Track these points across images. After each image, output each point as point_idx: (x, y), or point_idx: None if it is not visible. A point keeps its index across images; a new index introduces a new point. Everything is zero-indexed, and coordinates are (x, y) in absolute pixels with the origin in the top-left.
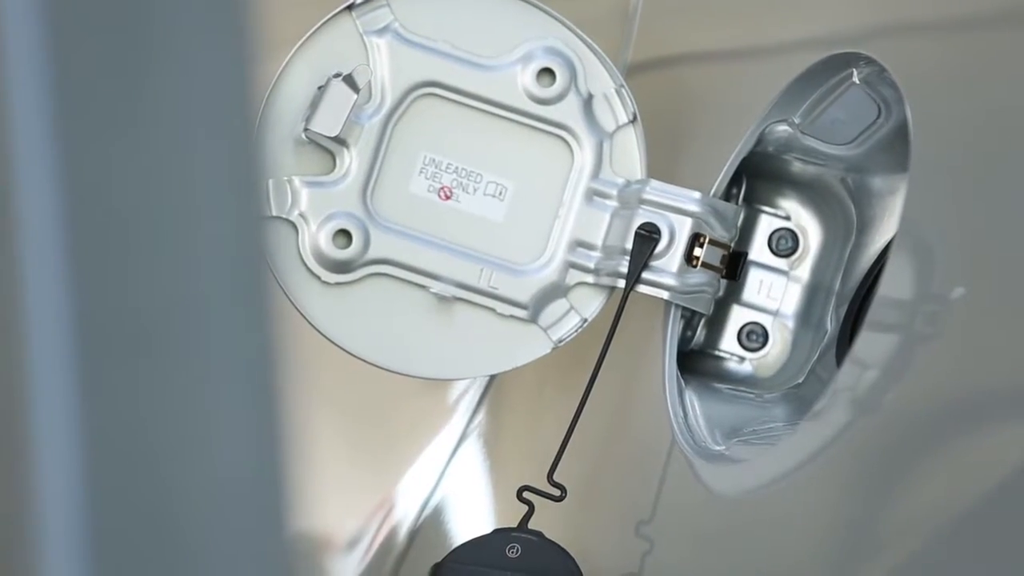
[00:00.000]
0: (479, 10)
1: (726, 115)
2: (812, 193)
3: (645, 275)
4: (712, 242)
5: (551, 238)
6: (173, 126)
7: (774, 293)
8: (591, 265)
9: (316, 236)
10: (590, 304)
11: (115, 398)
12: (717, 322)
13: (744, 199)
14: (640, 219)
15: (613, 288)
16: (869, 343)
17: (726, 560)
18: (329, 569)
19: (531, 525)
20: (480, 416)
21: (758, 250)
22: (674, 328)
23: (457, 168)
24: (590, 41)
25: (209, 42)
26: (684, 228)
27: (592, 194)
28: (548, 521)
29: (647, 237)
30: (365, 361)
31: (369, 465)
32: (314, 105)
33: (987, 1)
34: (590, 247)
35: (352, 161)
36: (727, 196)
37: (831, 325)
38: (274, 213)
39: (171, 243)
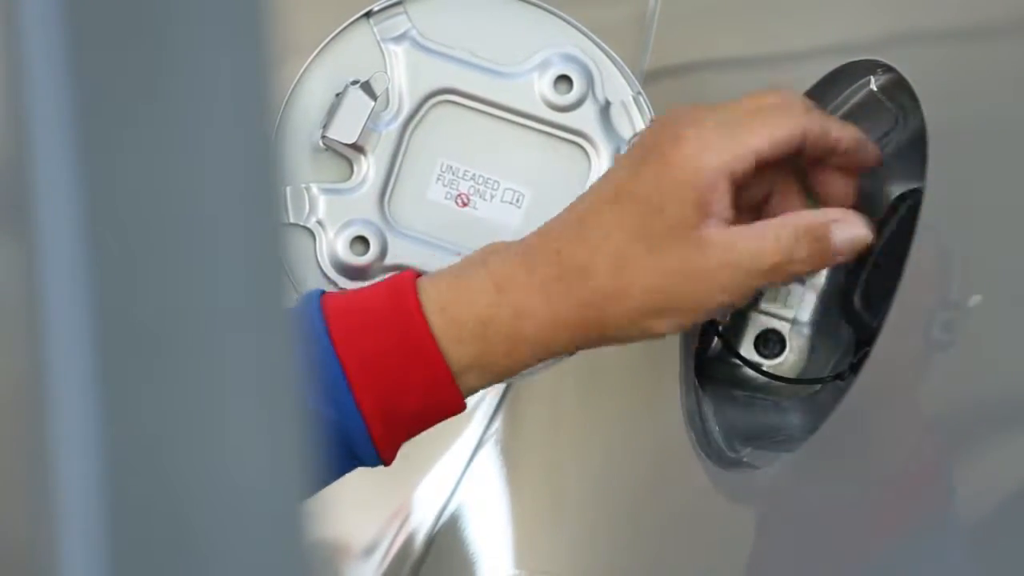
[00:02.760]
0: (496, 17)
1: None
2: None
3: None
4: None
5: None
6: (192, 131)
7: (791, 300)
8: None
9: (334, 243)
10: None
11: (133, 405)
12: (734, 329)
13: None
14: None
15: None
16: (887, 350)
17: (742, 567)
18: None
19: (545, 536)
20: (497, 423)
21: None
22: (691, 335)
23: (474, 175)
24: (607, 48)
25: (227, 48)
26: None
27: None
28: (560, 526)
29: None
30: None
31: (386, 472)
32: (332, 112)
33: (1004, 10)
34: None
35: (370, 168)
36: None
37: (847, 332)
38: (292, 220)
39: (189, 248)
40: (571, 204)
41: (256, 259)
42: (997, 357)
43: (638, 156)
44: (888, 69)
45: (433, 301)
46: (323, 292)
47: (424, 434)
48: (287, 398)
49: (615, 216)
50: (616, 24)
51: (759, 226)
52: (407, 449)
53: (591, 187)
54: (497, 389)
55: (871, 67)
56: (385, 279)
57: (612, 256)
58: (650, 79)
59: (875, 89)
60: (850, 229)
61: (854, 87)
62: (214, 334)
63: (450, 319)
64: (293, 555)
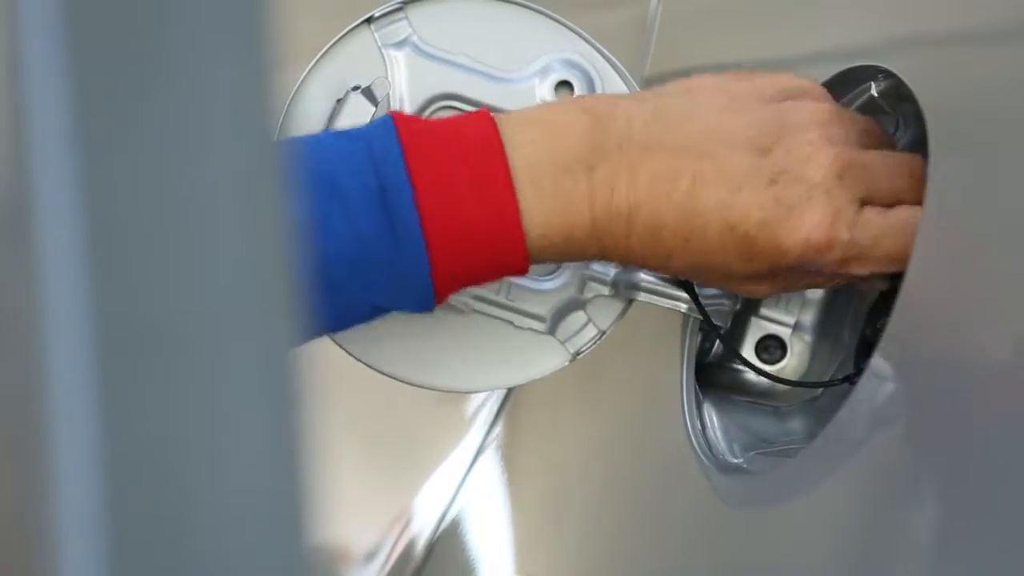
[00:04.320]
0: (497, 23)
1: None
2: None
3: (663, 288)
4: None
5: None
6: (192, 135)
7: (792, 306)
8: (608, 278)
9: None
10: (607, 317)
11: (133, 411)
12: (735, 334)
13: None
14: None
15: (631, 301)
16: (887, 356)
17: (743, 573)
18: None
19: (546, 542)
20: (497, 429)
21: None
22: (692, 341)
23: None
24: (608, 54)
25: (228, 52)
26: None
27: None
28: (560, 532)
29: None
30: (383, 373)
31: (387, 478)
32: (332, 118)
33: (1005, 15)
34: None
35: None
36: None
37: (849, 337)
38: None
39: (189, 255)
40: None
41: (258, 263)
42: (999, 362)
43: (773, 168)
44: (889, 75)
45: (534, 217)
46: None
47: (425, 440)
48: (290, 402)
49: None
50: (617, 29)
51: None
52: (408, 455)
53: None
54: (498, 395)
55: (872, 73)
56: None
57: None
58: (651, 84)
59: (876, 95)
60: None
61: (855, 93)
62: (216, 338)
63: (547, 243)
64: (294, 560)
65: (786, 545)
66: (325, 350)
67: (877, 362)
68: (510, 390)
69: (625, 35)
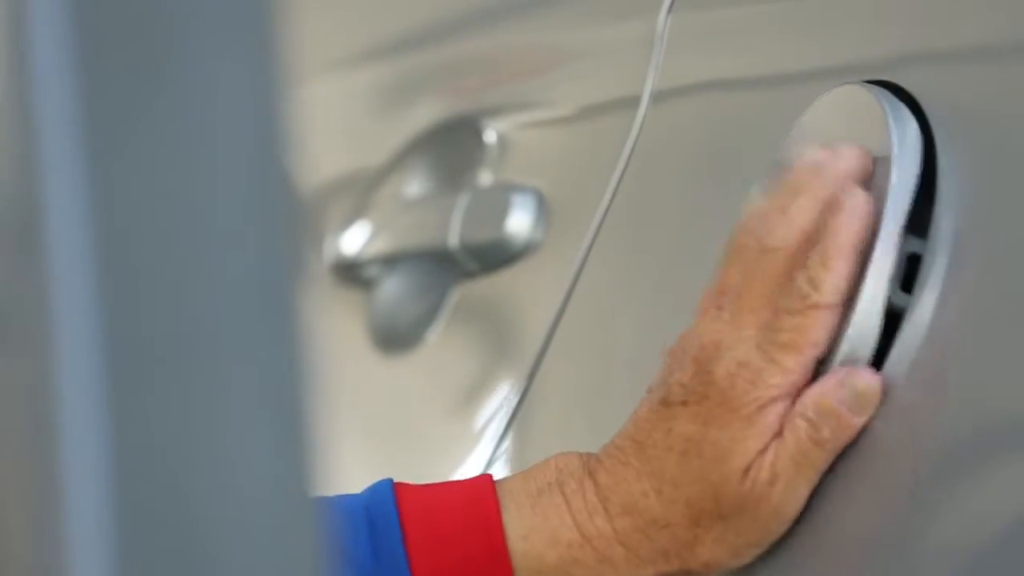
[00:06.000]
0: None
1: (753, 143)
2: None
3: None
4: None
5: None
6: (201, 144)
7: None
8: None
9: None
10: None
11: (142, 421)
12: None
13: None
14: None
15: None
16: (897, 369)
17: None
18: None
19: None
20: (506, 443)
21: None
22: None
23: None
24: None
25: (238, 68)
26: None
27: None
28: None
29: None
30: None
31: None
32: None
33: (1017, 31)
34: None
35: None
36: None
37: None
38: None
39: (198, 262)
40: (636, 433)
41: (267, 270)
42: (1010, 379)
43: (701, 398)
44: (899, 90)
45: (515, 525)
46: (393, 483)
47: (434, 454)
48: (296, 416)
49: (683, 469)
50: (624, 44)
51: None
52: (417, 469)
53: (655, 421)
54: (507, 409)
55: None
56: (463, 481)
57: (685, 507)
58: (658, 100)
59: None
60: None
61: None
62: (222, 351)
63: (532, 551)
64: (302, 573)
65: (795, 567)
66: (331, 361)
67: (886, 376)
68: (519, 403)
69: (632, 50)
